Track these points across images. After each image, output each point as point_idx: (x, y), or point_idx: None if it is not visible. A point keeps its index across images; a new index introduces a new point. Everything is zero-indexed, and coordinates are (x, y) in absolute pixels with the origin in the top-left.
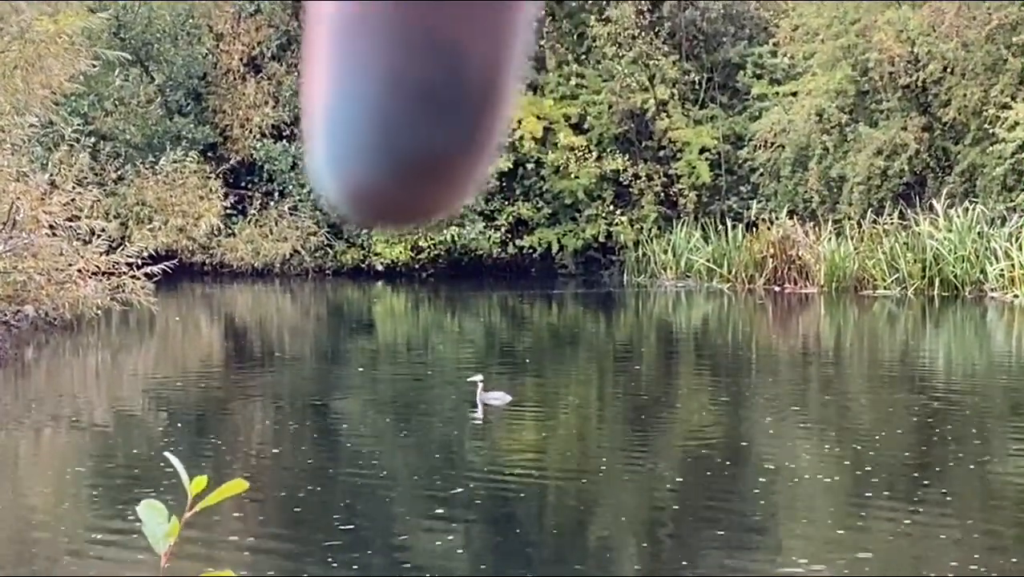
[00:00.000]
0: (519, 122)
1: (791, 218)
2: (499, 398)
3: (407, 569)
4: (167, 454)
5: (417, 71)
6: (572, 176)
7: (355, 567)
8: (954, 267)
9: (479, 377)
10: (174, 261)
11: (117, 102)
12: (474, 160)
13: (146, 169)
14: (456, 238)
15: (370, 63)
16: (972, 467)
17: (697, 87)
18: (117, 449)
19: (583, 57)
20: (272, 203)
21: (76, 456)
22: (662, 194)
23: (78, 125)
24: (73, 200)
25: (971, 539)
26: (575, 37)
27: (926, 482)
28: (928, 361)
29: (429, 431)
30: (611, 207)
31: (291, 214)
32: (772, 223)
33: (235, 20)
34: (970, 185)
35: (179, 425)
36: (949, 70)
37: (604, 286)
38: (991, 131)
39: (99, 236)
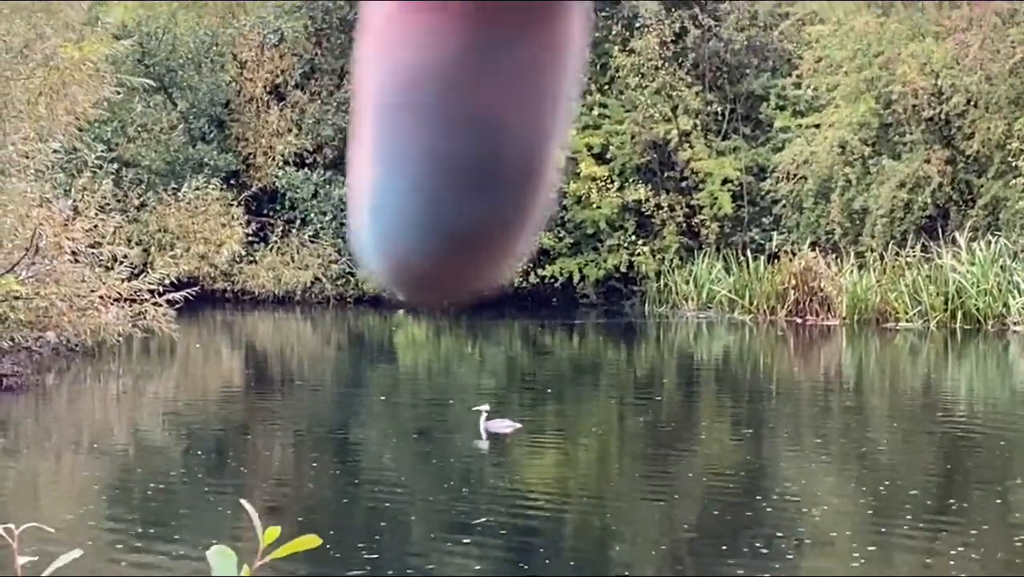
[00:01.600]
0: None
1: (813, 250)
2: (506, 426)
3: None
4: (243, 501)
5: (459, 150)
6: (594, 206)
7: None
8: (976, 300)
9: (484, 406)
10: (195, 288)
11: (140, 129)
12: (517, 235)
13: (168, 196)
14: None
15: (413, 142)
16: (995, 501)
17: (720, 118)
18: (137, 475)
19: (606, 87)
20: (294, 231)
21: (96, 482)
22: (684, 225)
23: (101, 151)
24: (95, 226)
25: (992, 572)
26: (598, 67)
27: (947, 515)
28: (950, 394)
29: (450, 459)
30: (633, 237)
31: (312, 242)
32: (794, 255)
33: (259, 48)
34: (993, 218)
35: (199, 452)
36: (973, 103)
37: (625, 316)
38: (1015, 164)
39: (121, 263)
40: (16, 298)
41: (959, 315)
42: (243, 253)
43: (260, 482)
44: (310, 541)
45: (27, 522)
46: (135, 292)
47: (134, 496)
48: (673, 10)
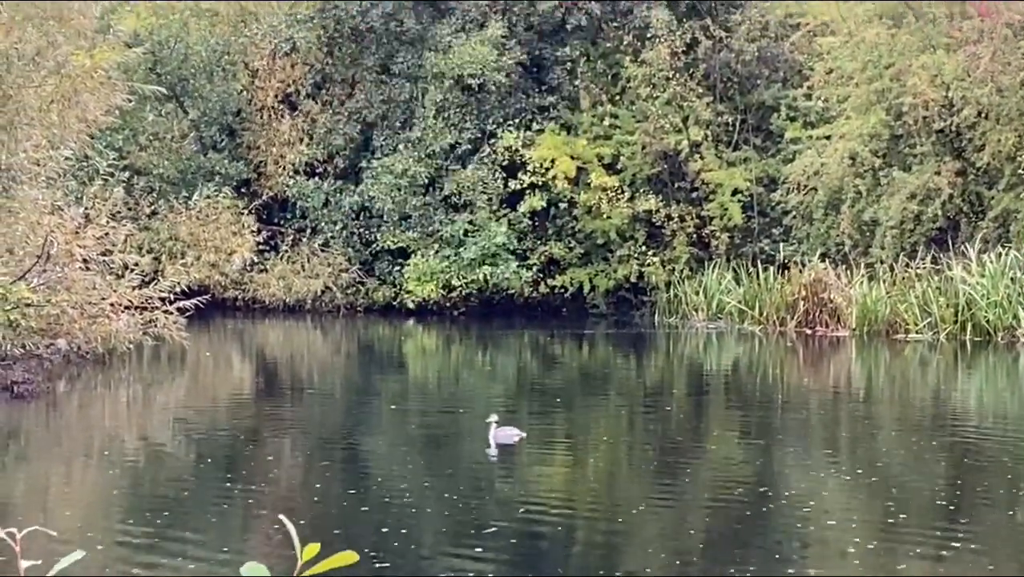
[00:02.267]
0: (553, 162)
1: (823, 261)
2: (513, 435)
3: None
4: (281, 517)
5: None
6: (604, 216)
7: None
8: (987, 312)
9: (494, 417)
10: (206, 296)
11: (152, 137)
12: None
13: (179, 204)
14: (488, 277)
15: None
16: (1004, 511)
17: (731, 129)
18: (147, 483)
19: (617, 98)
20: (304, 240)
21: (106, 489)
22: (694, 235)
23: (113, 159)
24: (107, 234)
25: None
26: (609, 78)
27: (956, 526)
28: (959, 405)
29: (460, 467)
30: (643, 248)
31: (323, 251)
32: (804, 266)
33: (270, 57)
34: (1003, 230)
35: (209, 459)
36: (983, 115)
37: (635, 327)
38: None
39: (132, 270)
40: (27, 305)
41: (969, 327)
42: (254, 261)
43: (270, 490)
44: (347, 557)
45: (36, 528)
46: (146, 300)
47: (144, 503)
48: (684, 21)
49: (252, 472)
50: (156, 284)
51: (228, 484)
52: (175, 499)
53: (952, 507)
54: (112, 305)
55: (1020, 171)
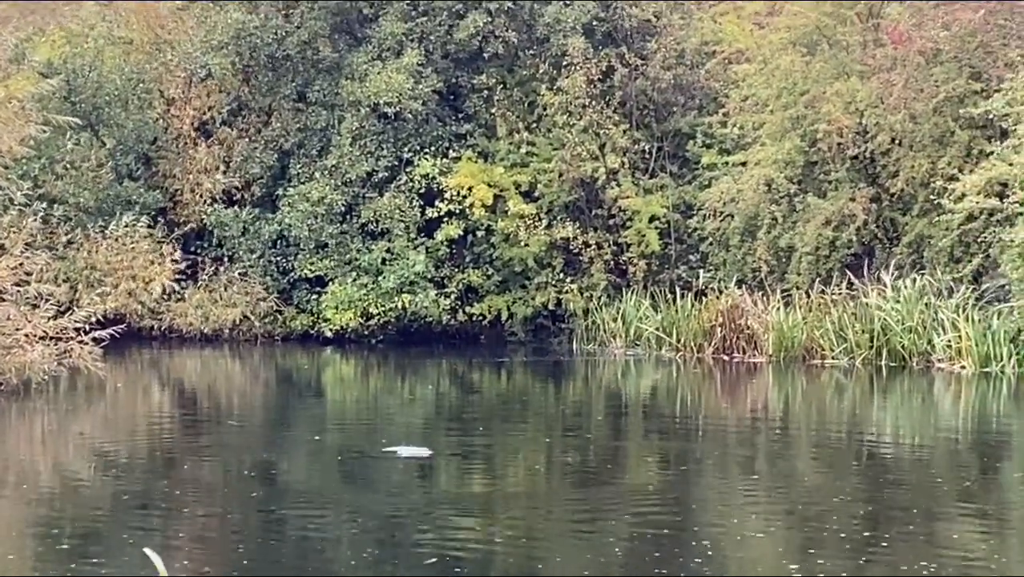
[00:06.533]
0: (470, 189)
1: (740, 287)
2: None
3: None
4: (146, 550)
5: None
6: (522, 244)
7: None
8: (901, 338)
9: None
10: (123, 326)
11: (68, 166)
12: None
13: (96, 233)
14: (406, 305)
15: None
16: (919, 533)
17: (647, 156)
18: (63, 515)
19: (534, 125)
20: (222, 268)
21: (21, 522)
22: (612, 262)
23: (28, 189)
24: (22, 264)
25: None
26: (526, 105)
27: (873, 548)
28: (875, 430)
29: (378, 498)
30: (561, 275)
31: (241, 280)
32: (721, 292)
33: (186, 85)
34: (917, 256)
35: (126, 491)
36: (897, 142)
37: (553, 354)
38: (938, 202)
39: (48, 301)
40: None
41: (884, 352)
42: (171, 291)
43: (188, 520)
44: None
45: None
46: (61, 330)
47: (61, 536)
48: (600, 49)
49: (170, 503)
50: (72, 314)
51: (145, 515)
52: (91, 531)
53: (869, 530)
54: (27, 336)
55: (933, 197)
